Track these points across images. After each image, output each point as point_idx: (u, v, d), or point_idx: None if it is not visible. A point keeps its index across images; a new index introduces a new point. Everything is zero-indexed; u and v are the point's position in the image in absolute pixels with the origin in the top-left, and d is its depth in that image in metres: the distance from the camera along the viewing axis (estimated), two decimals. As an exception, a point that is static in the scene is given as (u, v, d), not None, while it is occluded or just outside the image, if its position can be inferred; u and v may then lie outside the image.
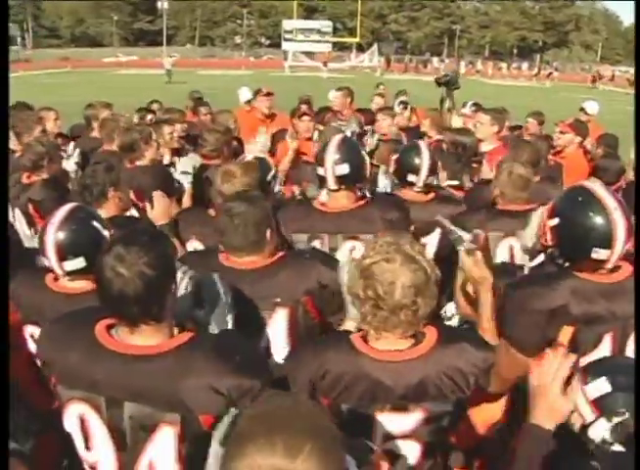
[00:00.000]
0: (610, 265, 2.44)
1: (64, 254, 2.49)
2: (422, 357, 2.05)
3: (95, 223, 2.60)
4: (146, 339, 1.91)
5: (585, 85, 47.78)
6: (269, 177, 3.92)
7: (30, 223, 4.11)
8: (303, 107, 6.83)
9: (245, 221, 2.63)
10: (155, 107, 7.70)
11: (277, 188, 4.25)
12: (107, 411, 1.92)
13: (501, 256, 3.52)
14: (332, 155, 3.39)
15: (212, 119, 6.74)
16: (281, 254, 2.77)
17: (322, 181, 3.47)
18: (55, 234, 2.50)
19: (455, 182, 4.62)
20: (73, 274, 2.53)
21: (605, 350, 2.41)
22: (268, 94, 7.80)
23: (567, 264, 2.53)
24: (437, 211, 3.82)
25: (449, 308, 3.10)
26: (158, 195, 3.51)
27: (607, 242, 2.38)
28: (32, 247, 3.58)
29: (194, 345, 1.92)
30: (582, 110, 8.01)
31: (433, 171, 3.99)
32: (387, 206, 3.50)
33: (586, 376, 1.88)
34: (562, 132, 6.24)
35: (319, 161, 3.48)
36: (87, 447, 1.99)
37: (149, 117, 6.62)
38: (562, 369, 1.83)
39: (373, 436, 2.12)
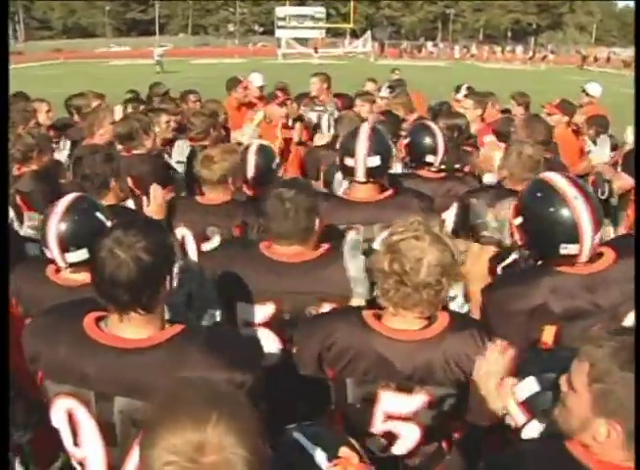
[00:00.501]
0: (583, 258, 2.34)
1: (66, 245, 2.45)
2: (431, 340, 2.06)
3: (98, 214, 2.55)
4: (136, 330, 1.87)
5: (584, 68, 47.69)
6: (274, 165, 3.90)
7: (18, 215, 4.08)
8: (279, 93, 6.79)
9: (296, 206, 2.54)
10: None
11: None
12: (96, 406, 1.88)
13: None
14: (363, 145, 3.26)
15: (201, 107, 6.73)
16: (326, 246, 2.67)
17: (347, 172, 3.35)
18: (57, 225, 2.46)
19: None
20: (76, 266, 2.48)
21: None
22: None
23: (540, 262, 2.45)
24: (455, 188, 3.88)
25: (455, 289, 3.10)
26: (155, 188, 3.43)
27: (573, 236, 2.28)
28: (27, 236, 3.58)
29: (186, 337, 1.89)
30: (584, 91, 7.91)
31: (447, 150, 3.99)
32: (419, 193, 3.43)
33: (515, 376, 1.87)
34: (549, 114, 6.26)
35: (346, 151, 3.33)
36: (75, 443, 1.96)
37: (141, 107, 6.54)
38: (496, 365, 1.83)
39: (374, 414, 2.12)
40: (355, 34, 68.77)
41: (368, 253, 2.55)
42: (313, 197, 2.69)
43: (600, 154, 5.18)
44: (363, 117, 5.81)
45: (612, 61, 52.74)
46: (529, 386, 1.82)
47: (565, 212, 2.28)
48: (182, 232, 3.43)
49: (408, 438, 2.15)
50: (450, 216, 3.71)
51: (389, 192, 3.35)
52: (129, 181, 3.86)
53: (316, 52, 50.68)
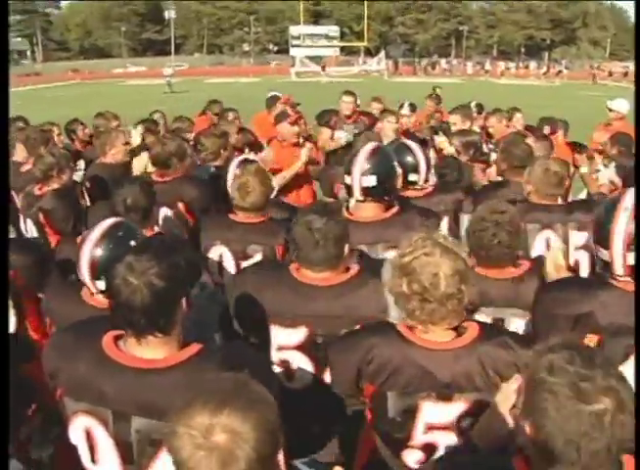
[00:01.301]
0: (619, 271, 2.29)
1: (97, 273, 2.40)
2: (466, 347, 2.07)
3: (133, 243, 2.43)
4: (153, 351, 1.88)
5: (597, 83, 47.65)
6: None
7: (41, 232, 4.13)
8: (290, 111, 6.79)
9: (325, 236, 2.53)
10: (156, 116, 7.68)
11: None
12: (113, 425, 1.88)
13: (538, 248, 3.49)
14: (360, 165, 3.29)
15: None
16: (356, 268, 2.66)
17: (348, 190, 3.37)
18: (91, 251, 2.42)
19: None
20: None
21: (631, 364, 2.23)
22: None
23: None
24: (443, 200, 3.89)
25: None
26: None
27: (605, 242, 2.29)
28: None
29: (203, 357, 1.88)
30: (610, 110, 7.56)
31: (429, 167, 3.99)
32: (424, 210, 3.44)
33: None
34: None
35: (346, 169, 3.36)
36: (93, 460, 1.96)
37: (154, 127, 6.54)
38: (509, 398, 1.84)
39: (415, 425, 2.12)
40: (369, 52, 69.27)
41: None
42: (343, 223, 2.68)
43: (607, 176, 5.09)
44: (383, 136, 5.85)
45: (629, 75, 52.62)
46: None
47: (607, 216, 2.30)
48: (220, 250, 3.42)
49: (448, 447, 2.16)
50: (444, 228, 3.72)
51: (394, 210, 3.35)
52: (181, 206, 3.95)
53: (324, 70, 51.05)
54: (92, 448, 1.94)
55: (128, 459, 1.91)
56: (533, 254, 3.41)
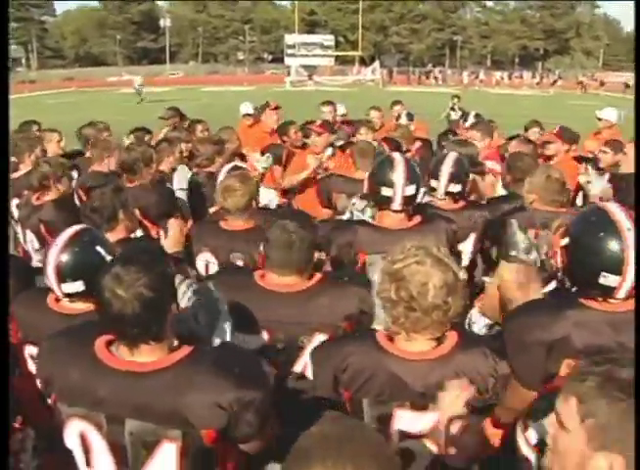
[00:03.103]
0: (621, 295, 2.20)
1: (63, 276, 2.49)
2: (442, 358, 2.09)
3: (99, 248, 2.58)
4: (145, 356, 1.91)
5: (589, 93, 47.94)
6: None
7: (42, 243, 4.11)
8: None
9: (300, 239, 2.60)
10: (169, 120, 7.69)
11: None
12: (107, 428, 1.91)
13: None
14: (401, 175, 3.34)
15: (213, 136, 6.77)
16: (319, 276, 2.71)
17: (383, 201, 3.39)
18: (57, 256, 2.51)
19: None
20: (72, 297, 2.53)
21: None
22: (276, 108, 7.85)
23: (574, 289, 2.36)
24: (472, 216, 3.92)
25: (474, 313, 3.12)
26: (172, 222, 3.51)
27: (617, 267, 2.16)
28: (36, 267, 3.62)
29: (193, 359, 1.92)
30: (599, 119, 7.67)
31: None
32: (447, 218, 3.53)
33: (526, 421, 1.87)
34: (547, 142, 6.05)
35: (381, 181, 3.38)
36: (88, 464, 1.98)
37: (146, 137, 6.53)
38: (456, 402, 1.94)
39: (390, 433, 2.14)
40: (364, 62, 69.47)
41: None
42: (314, 230, 2.75)
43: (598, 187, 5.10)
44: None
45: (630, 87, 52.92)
46: (541, 429, 1.82)
47: (614, 241, 2.16)
48: (206, 257, 3.47)
49: (424, 455, 2.15)
50: (470, 244, 3.81)
51: (418, 219, 3.43)
52: (137, 212, 3.92)
53: (310, 79, 51.66)
54: (87, 452, 1.96)
55: (123, 462, 1.94)
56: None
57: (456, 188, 3.85)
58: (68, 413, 1.96)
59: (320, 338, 2.56)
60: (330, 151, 6.32)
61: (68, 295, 2.52)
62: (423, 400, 2.09)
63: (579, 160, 6.25)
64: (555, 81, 57.44)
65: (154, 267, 1.89)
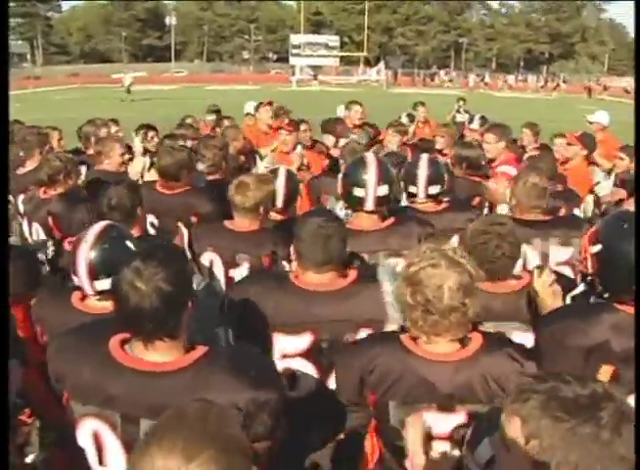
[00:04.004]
0: None
1: (96, 273, 2.45)
2: (469, 359, 2.08)
3: (128, 243, 2.54)
4: (160, 355, 1.90)
5: (594, 97, 47.91)
6: (299, 190, 3.97)
7: (49, 236, 4.13)
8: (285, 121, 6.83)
9: (336, 234, 2.62)
10: (189, 121, 7.66)
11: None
12: (122, 428, 1.90)
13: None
14: (373, 176, 3.33)
15: (221, 134, 6.77)
16: (354, 274, 2.71)
17: (355, 202, 3.38)
18: (87, 252, 2.47)
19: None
20: (103, 294, 2.47)
21: None
22: (269, 103, 7.86)
23: (607, 295, 2.35)
24: (455, 219, 3.87)
25: None
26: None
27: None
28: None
29: (210, 360, 1.91)
30: (591, 123, 7.71)
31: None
32: (422, 221, 3.50)
33: (471, 444, 1.81)
34: (569, 144, 6.09)
35: (354, 181, 3.36)
36: (101, 463, 1.97)
37: (150, 134, 6.48)
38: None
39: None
40: (369, 62, 69.50)
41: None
42: (344, 224, 2.78)
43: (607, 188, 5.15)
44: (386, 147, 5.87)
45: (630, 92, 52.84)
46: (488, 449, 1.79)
47: None
48: (210, 256, 3.45)
49: (450, 457, 2.14)
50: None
51: (391, 220, 3.41)
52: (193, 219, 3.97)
53: (315, 78, 51.74)
54: (100, 451, 1.95)
55: None
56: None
57: (435, 189, 3.86)
58: (81, 412, 1.95)
59: (363, 334, 2.55)
60: (299, 149, 6.38)
61: (99, 292, 2.48)
62: (449, 402, 2.09)
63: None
64: (557, 85, 57.35)
65: (173, 263, 1.90)
